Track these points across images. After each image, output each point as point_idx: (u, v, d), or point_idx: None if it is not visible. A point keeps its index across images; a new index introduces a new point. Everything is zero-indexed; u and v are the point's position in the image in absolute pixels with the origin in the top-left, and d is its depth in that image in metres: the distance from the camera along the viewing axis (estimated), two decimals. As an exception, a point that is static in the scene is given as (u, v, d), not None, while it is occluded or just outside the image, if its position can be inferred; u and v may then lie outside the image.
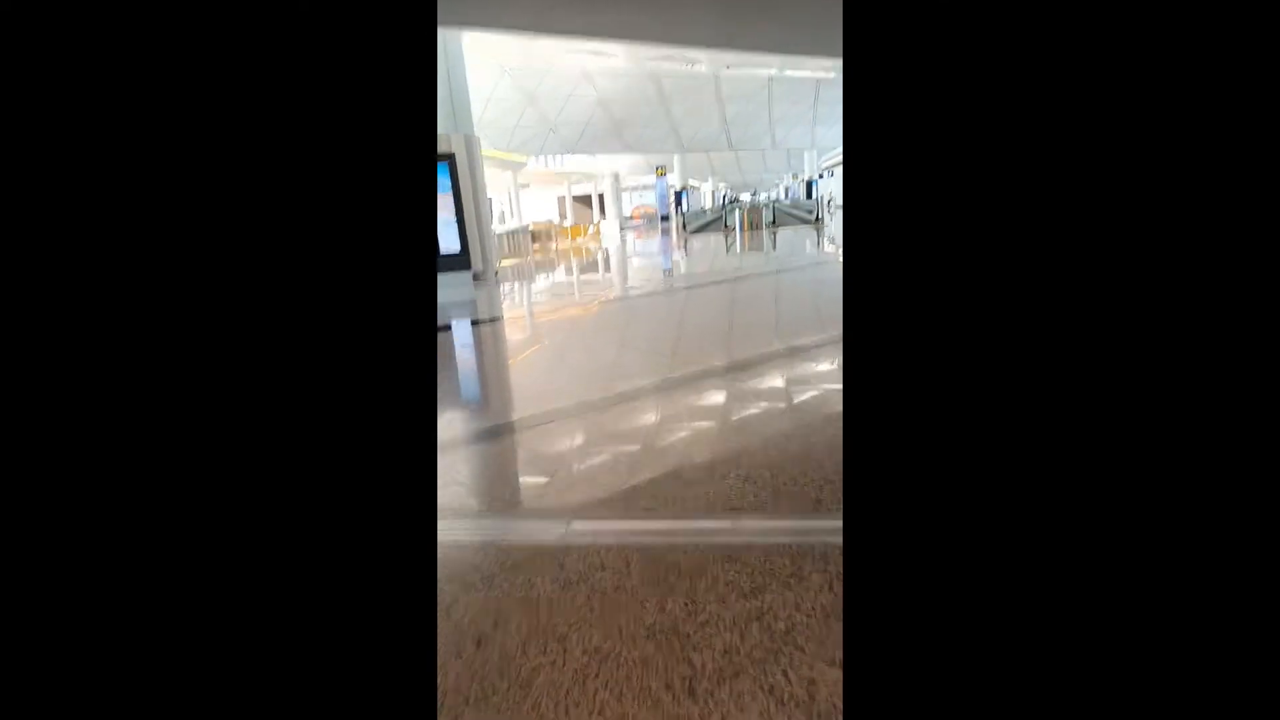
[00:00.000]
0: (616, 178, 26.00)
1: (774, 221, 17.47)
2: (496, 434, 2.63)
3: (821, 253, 10.16)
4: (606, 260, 12.49)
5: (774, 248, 11.61)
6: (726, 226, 17.99)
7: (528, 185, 28.36)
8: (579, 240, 18.97)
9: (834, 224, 16.29)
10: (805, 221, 17.68)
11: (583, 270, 10.64)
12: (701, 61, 23.73)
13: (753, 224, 17.39)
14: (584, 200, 30.64)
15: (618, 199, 25.85)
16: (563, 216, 26.99)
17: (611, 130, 27.13)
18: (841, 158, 27.10)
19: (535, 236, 16.27)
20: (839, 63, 25.56)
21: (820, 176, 33.23)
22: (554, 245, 16.43)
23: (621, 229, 24.43)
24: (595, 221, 24.52)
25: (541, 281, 9.11)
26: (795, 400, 2.75)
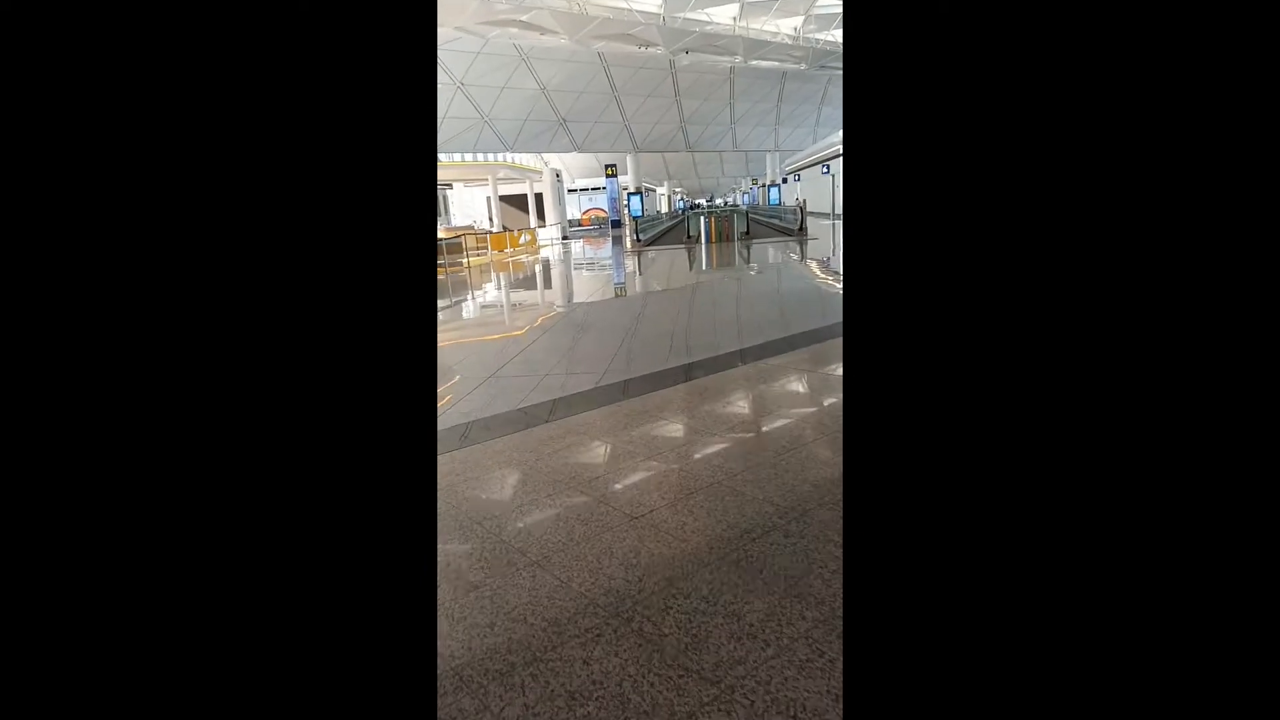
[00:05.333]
0: (557, 175, 22.43)
1: (747, 232, 14.22)
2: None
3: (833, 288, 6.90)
4: (544, 276, 9.00)
5: (747, 261, 8.36)
6: (689, 237, 14.69)
7: (450, 185, 24.50)
8: (506, 253, 15.25)
9: (822, 236, 13.18)
10: (784, 232, 14.54)
11: (492, 302, 7.12)
12: (657, 44, 20.54)
13: (721, 234, 14.09)
14: (516, 201, 26.74)
15: (560, 201, 22.28)
16: (491, 222, 22.99)
17: (557, 125, 23.65)
18: (805, 161, 24.42)
19: (439, 250, 12.43)
20: (810, 53, 22.97)
21: (784, 180, 30.53)
22: (465, 261, 12.62)
23: (564, 237, 20.91)
24: (530, 228, 20.64)
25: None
26: None
